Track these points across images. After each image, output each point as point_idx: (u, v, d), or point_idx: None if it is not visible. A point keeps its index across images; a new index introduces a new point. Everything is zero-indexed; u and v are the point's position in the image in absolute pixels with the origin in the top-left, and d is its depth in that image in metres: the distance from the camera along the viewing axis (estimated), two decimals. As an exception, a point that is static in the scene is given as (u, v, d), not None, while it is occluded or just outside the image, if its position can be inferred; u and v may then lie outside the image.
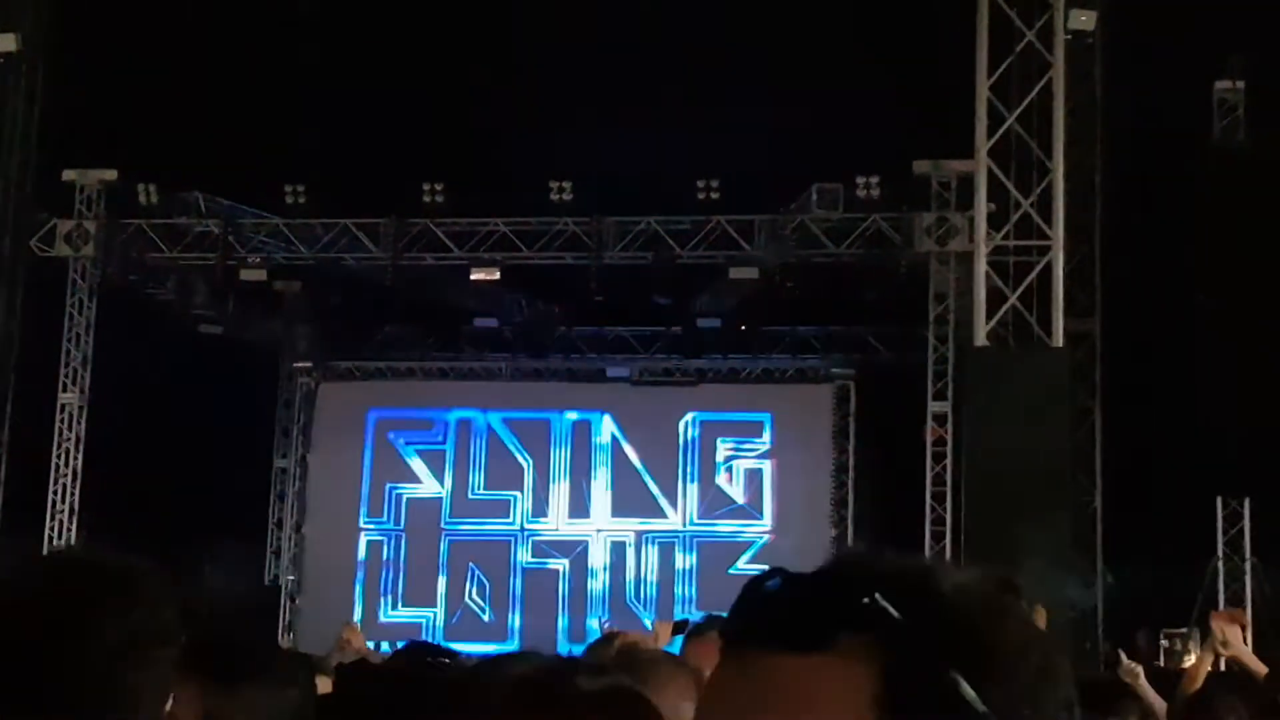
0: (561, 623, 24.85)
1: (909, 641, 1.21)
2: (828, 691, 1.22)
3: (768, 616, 1.26)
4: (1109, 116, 21.49)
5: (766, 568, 1.32)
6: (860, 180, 22.19)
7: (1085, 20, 20.77)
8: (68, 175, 23.28)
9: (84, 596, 2.49)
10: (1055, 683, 1.27)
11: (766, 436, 25.24)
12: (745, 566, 23.74)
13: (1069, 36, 20.47)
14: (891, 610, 1.22)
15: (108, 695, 2.46)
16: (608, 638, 6.69)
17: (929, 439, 22.55)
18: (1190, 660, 15.88)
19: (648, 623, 17.68)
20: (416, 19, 21.65)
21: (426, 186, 22.70)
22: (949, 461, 21.98)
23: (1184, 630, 19.60)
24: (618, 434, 25.50)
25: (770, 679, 1.24)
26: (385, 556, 25.72)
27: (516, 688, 3.09)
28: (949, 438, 22.08)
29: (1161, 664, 18.46)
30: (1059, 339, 17.55)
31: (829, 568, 1.30)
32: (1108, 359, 21.89)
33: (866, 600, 1.23)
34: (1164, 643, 19.75)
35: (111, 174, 23.25)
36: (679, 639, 6.29)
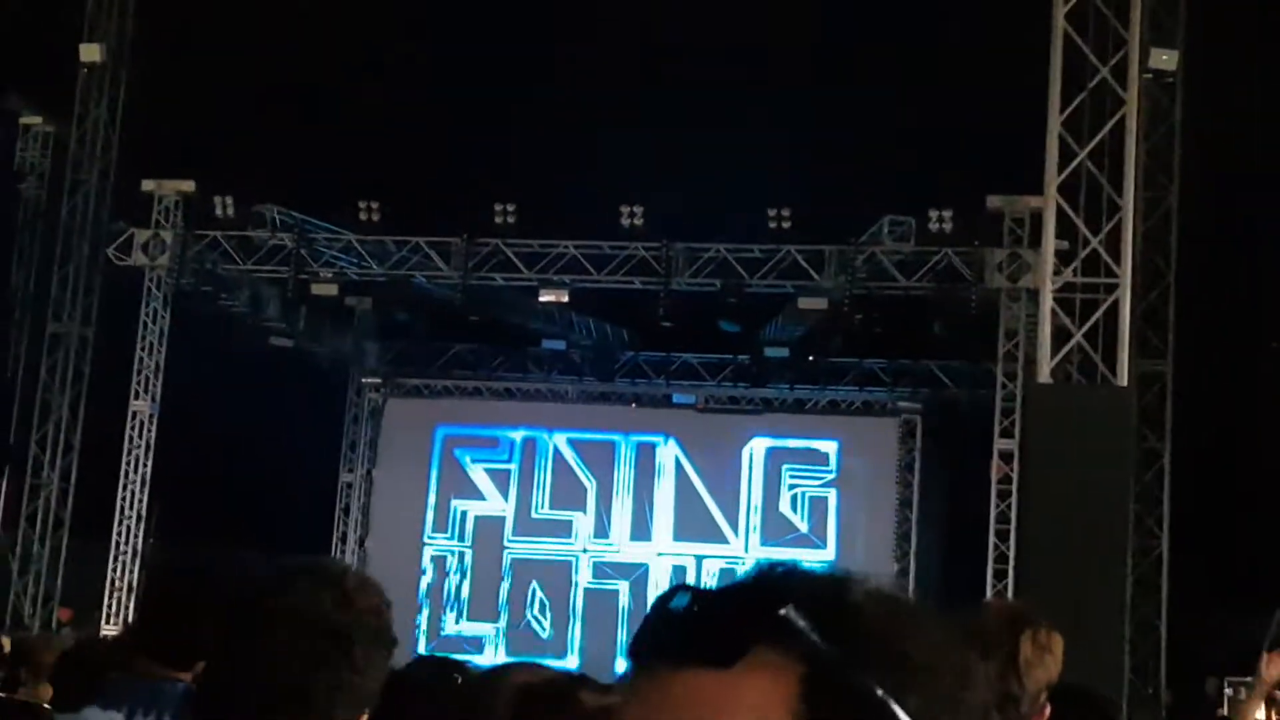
0: (621, 642, 24.82)
1: (823, 652, 1.20)
2: (745, 705, 1.21)
3: (680, 632, 1.24)
4: (1188, 156, 21.28)
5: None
6: (933, 213, 22.06)
7: (1166, 60, 20.61)
8: (146, 186, 23.53)
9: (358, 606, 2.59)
10: (972, 689, 1.26)
11: (832, 465, 25.14)
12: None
13: (1149, 75, 20.33)
14: (803, 621, 1.21)
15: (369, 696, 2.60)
16: None
17: (994, 476, 22.36)
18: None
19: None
20: (495, 43, 21.77)
21: (499, 207, 22.78)
22: (1014, 499, 21.77)
23: (1249, 679, 19.30)
24: (682, 458, 25.49)
25: (685, 695, 1.22)
26: (449, 571, 25.82)
27: (521, 696, 3.11)
28: (1015, 475, 21.88)
29: (1225, 712, 18.20)
30: (1124, 378, 17.32)
31: (739, 582, 1.28)
32: (1179, 401, 21.63)
33: (780, 612, 1.21)
34: (1228, 691, 19.48)
35: (189, 185, 23.48)
36: None
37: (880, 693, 1.20)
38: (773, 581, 1.26)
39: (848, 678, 1.20)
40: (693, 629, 1.24)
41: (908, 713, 1.20)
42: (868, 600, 1.25)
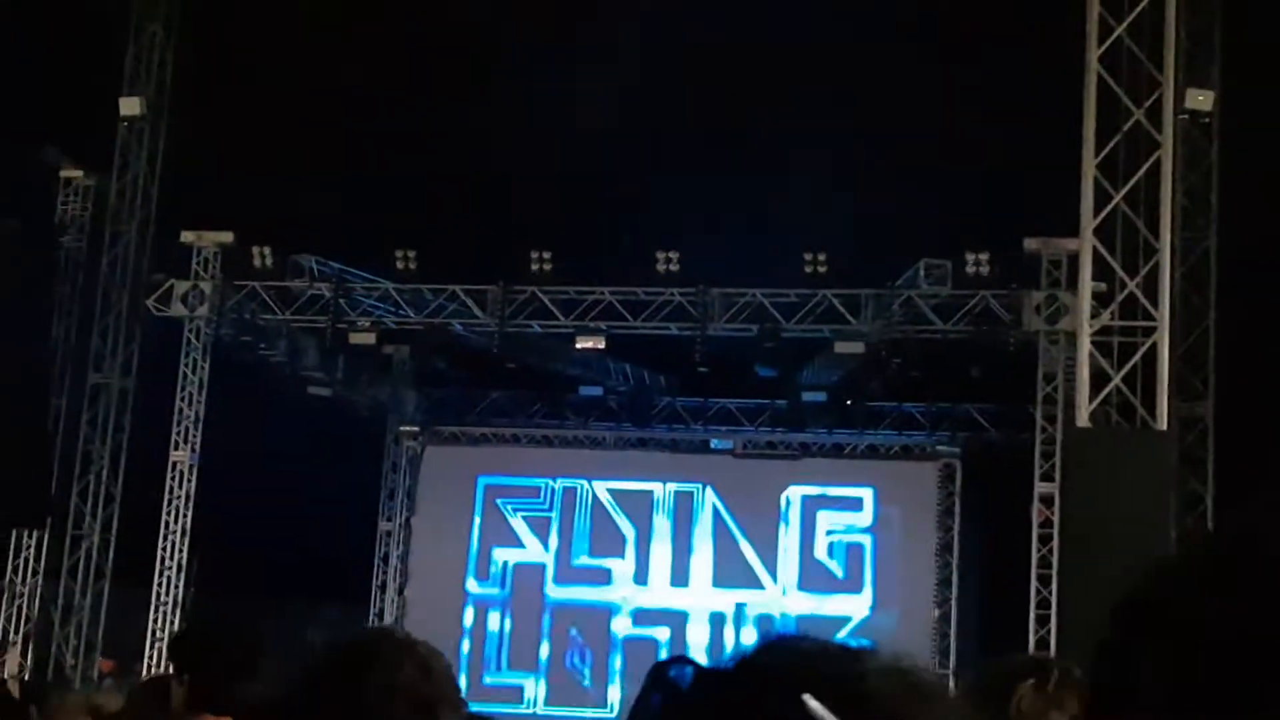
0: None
1: None
2: None
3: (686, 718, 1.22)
4: (1226, 196, 21.18)
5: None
6: (970, 257, 22.01)
7: (1202, 100, 20.55)
8: (185, 237, 23.70)
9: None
10: None
11: (868, 511, 25.04)
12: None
13: (1185, 116, 20.25)
14: (821, 710, 1.18)
15: None
16: None
17: (1035, 520, 22.22)
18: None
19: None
20: (528, 91, 21.86)
21: (535, 254, 22.84)
22: (1055, 544, 21.62)
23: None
24: (719, 505, 25.42)
25: None
26: (489, 620, 25.79)
27: None
28: (1055, 520, 21.74)
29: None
30: (1164, 422, 17.21)
31: (746, 661, 1.25)
32: (1220, 444, 21.46)
33: (803, 698, 1.19)
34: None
35: (228, 236, 23.63)
36: None
37: None
38: (780, 664, 1.24)
39: None
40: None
41: None
42: (880, 678, 1.23)
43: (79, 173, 23.62)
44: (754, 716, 1.19)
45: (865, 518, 25.06)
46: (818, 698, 1.18)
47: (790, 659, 1.24)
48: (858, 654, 1.25)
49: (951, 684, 23.84)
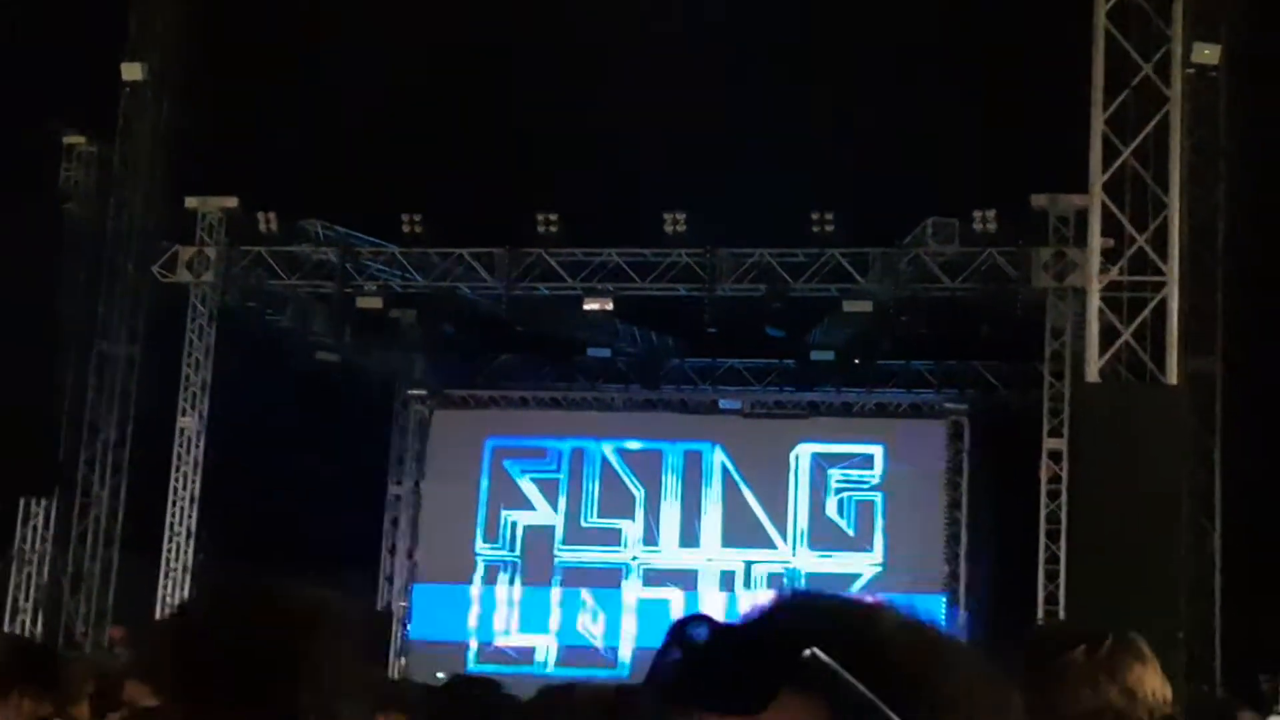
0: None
1: (850, 693, 1.18)
2: None
3: (705, 680, 1.23)
4: (1233, 152, 21.11)
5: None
6: (977, 214, 21.95)
7: (1209, 54, 20.43)
8: (190, 203, 23.65)
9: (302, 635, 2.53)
10: None
11: (878, 469, 25.06)
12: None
13: (1192, 70, 20.16)
14: (831, 664, 1.18)
15: None
16: None
17: (1044, 477, 22.23)
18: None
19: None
20: (532, 54, 21.77)
21: (541, 217, 22.78)
22: (1064, 500, 21.64)
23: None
24: (729, 465, 25.44)
25: None
26: (498, 581, 25.84)
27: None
28: (1064, 476, 21.75)
29: (1281, 709, 18.03)
30: (1174, 377, 17.18)
31: (762, 618, 1.26)
32: (1229, 398, 21.45)
33: (806, 654, 1.19)
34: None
35: (233, 202, 23.58)
36: None
37: None
38: (797, 620, 1.24)
39: (876, 717, 1.18)
40: (719, 675, 1.22)
41: None
42: (896, 634, 1.23)
43: (81, 139, 23.52)
44: (770, 672, 1.20)
45: (875, 475, 25.07)
46: (833, 654, 1.19)
47: (806, 616, 1.25)
48: (874, 610, 1.26)
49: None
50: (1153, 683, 3.49)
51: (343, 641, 2.59)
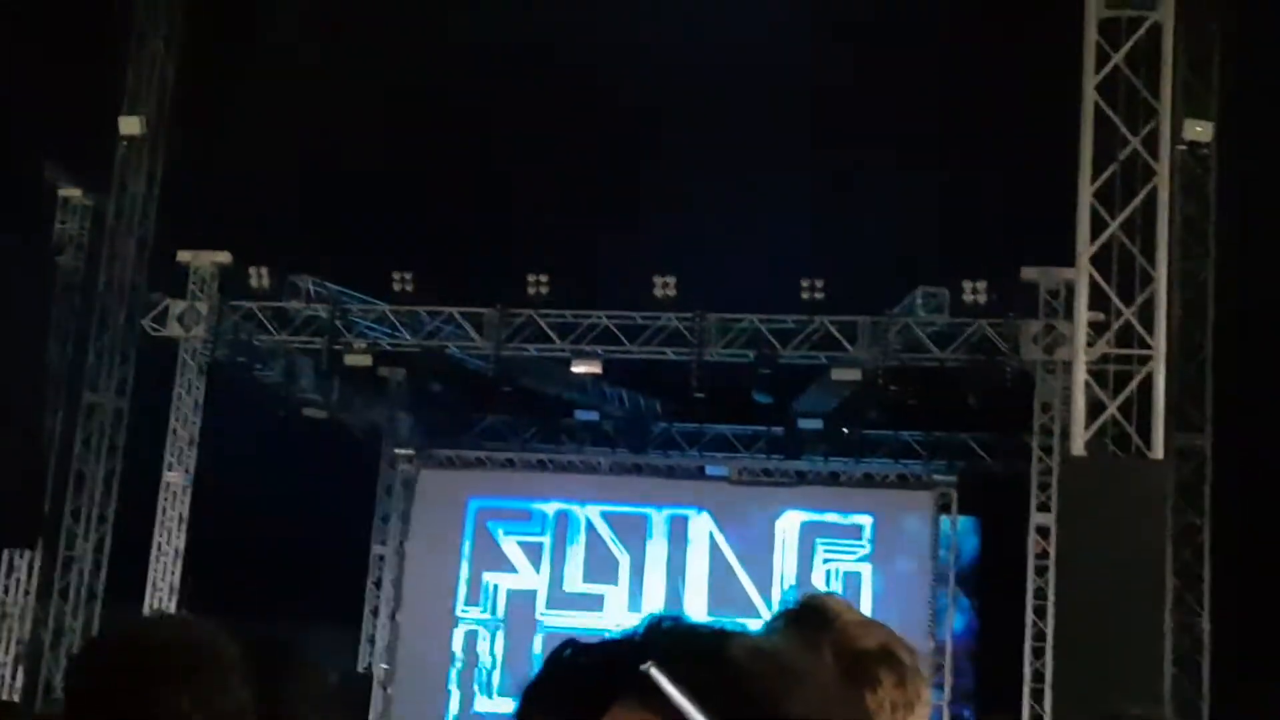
0: None
1: (686, 709, 1.19)
2: None
3: (552, 688, 1.28)
4: (1224, 228, 21.13)
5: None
6: (967, 285, 21.95)
7: (1201, 131, 20.53)
8: (182, 257, 23.65)
9: (158, 676, 2.47)
10: None
11: (866, 540, 24.94)
12: (839, 672, 23.36)
13: (1183, 146, 20.24)
14: (666, 678, 1.20)
15: None
16: None
17: (1032, 551, 22.12)
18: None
19: None
20: (526, 112, 21.86)
21: (531, 277, 22.78)
22: (1051, 575, 21.51)
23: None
24: (715, 531, 25.33)
25: None
26: (480, 646, 25.67)
27: None
28: (1052, 550, 21.64)
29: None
30: (1160, 451, 17.14)
31: (621, 638, 1.29)
32: (1218, 477, 21.36)
33: (643, 668, 1.21)
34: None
35: (225, 256, 23.59)
36: None
37: None
38: (648, 637, 1.27)
39: None
40: (561, 687, 1.28)
41: None
42: (747, 658, 1.24)
43: (77, 191, 23.57)
44: (605, 684, 1.23)
45: (863, 546, 24.95)
46: (680, 672, 1.21)
47: (661, 635, 1.28)
48: (732, 635, 1.28)
49: (946, 715, 23.76)
50: None
51: (224, 681, 2.53)
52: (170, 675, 2.47)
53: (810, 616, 2.95)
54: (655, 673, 1.20)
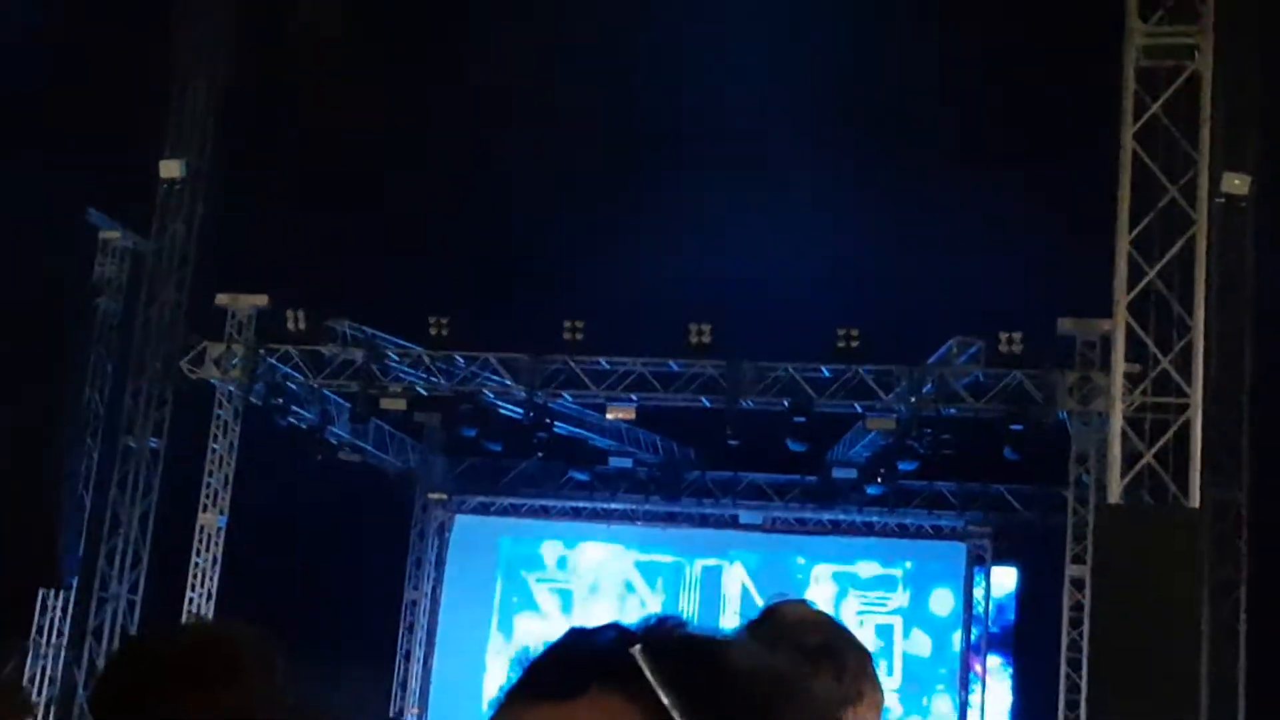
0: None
1: (667, 701, 1.22)
2: None
3: (545, 661, 1.31)
4: (1262, 279, 21.08)
5: None
6: (1003, 336, 21.88)
7: (1239, 184, 20.50)
8: (220, 300, 23.74)
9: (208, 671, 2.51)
10: None
11: (900, 591, 24.82)
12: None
13: (1221, 200, 20.21)
14: (650, 668, 1.22)
15: None
16: None
17: (1065, 603, 22.00)
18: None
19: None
20: (563, 160, 21.97)
21: (567, 324, 22.80)
22: (1085, 627, 21.38)
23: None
24: (747, 582, 25.25)
25: None
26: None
27: None
28: (1087, 603, 21.51)
29: None
30: (1195, 499, 17.05)
31: (625, 626, 1.32)
32: (1254, 529, 21.23)
33: (626, 654, 1.24)
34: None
35: (263, 299, 23.66)
36: None
37: None
38: (644, 629, 1.30)
39: None
40: (547, 666, 1.31)
41: None
42: (748, 667, 1.27)
43: (116, 234, 23.75)
44: (587, 665, 1.26)
45: (897, 598, 24.84)
46: (668, 666, 1.23)
47: (666, 633, 1.30)
48: (733, 643, 1.31)
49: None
50: None
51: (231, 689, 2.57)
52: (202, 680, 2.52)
53: (767, 620, 3.03)
54: (640, 656, 1.23)
